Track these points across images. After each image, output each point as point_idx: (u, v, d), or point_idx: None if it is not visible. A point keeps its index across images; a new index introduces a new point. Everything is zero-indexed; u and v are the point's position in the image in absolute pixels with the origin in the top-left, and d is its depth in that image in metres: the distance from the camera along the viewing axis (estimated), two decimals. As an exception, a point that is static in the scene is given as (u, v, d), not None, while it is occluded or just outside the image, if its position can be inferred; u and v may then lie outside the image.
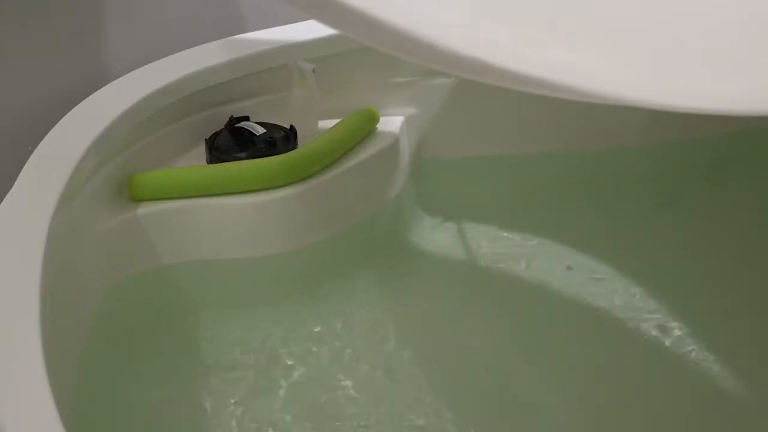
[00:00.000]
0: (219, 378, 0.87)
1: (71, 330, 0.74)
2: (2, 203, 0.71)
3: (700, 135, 1.18)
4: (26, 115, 0.96)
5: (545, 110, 1.11)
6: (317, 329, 0.94)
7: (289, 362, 0.90)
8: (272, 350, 0.91)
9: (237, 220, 0.91)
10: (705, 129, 1.18)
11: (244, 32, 1.02)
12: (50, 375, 0.55)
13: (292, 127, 0.98)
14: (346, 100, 1.04)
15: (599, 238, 1.09)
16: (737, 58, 0.50)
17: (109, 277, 0.86)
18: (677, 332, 0.93)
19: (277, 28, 1.03)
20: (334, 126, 0.99)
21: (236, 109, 0.99)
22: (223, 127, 0.97)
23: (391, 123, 1.05)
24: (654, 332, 0.94)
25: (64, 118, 0.84)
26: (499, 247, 1.08)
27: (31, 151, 0.78)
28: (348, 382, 0.88)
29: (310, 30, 1.01)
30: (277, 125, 0.98)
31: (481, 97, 1.09)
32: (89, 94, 0.88)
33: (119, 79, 0.92)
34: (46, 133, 0.81)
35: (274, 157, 0.92)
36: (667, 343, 0.92)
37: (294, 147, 0.96)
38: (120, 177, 0.88)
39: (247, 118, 0.97)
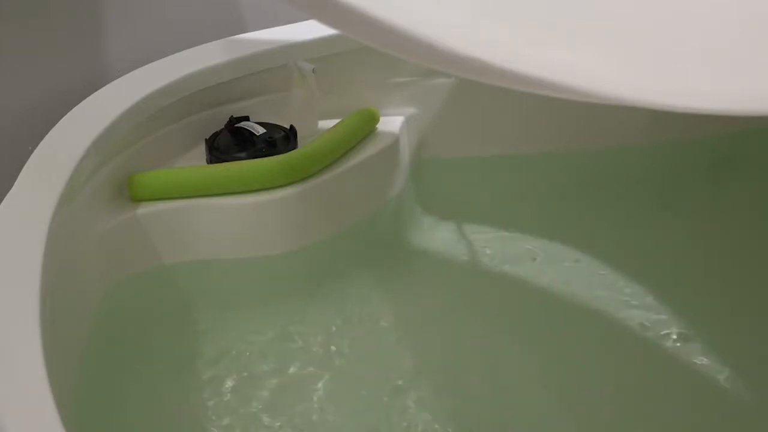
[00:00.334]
0: (219, 378, 0.87)
1: (71, 330, 0.74)
2: (2, 203, 0.71)
3: (700, 135, 1.18)
4: (26, 115, 0.96)
5: (545, 110, 1.11)
6: (317, 329, 0.94)
7: (289, 362, 0.90)
8: (272, 350, 0.91)
9: (237, 220, 0.91)
10: (705, 129, 1.18)
11: (244, 32, 1.02)
12: (50, 375, 0.55)
13: (292, 127, 0.98)
14: (346, 100, 1.04)
15: (599, 238, 1.09)
16: (737, 58, 0.50)
17: (109, 277, 0.86)
18: (677, 332, 0.93)
19: (277, 28, 1.03)
20: (334, 126, 0.99)
21: (236, 109, 0.99)
22: (223, 127, 0.97)
23: (391, 123, 1.05)
24: (654, 332, 0.94)
25: (64, 118, 0.84)
26: (499, 247, 1.08)
27: (31, 151, 0.78)
28: (347, 382, 0.88)
29: (310, 30, 1.01)
30: (277, 125, 0.98)
31: (481, 97, 1.09)
32: (89, 94, 0.88)
33: (119, 79, 0.92)
34: (46, 133, 0.81)
35: (274, 157, 0.92)
36: (668, 342, 0.92)
37: (294, 147, 0.96)
38: (120, 177, 0.88)
39: (247, 118, 0.97)
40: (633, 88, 0.45)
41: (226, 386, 0.86)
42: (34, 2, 0.94)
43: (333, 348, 0.92)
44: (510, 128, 1.13)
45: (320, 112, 1.02)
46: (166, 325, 0.92)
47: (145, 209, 0.87)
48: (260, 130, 0.95)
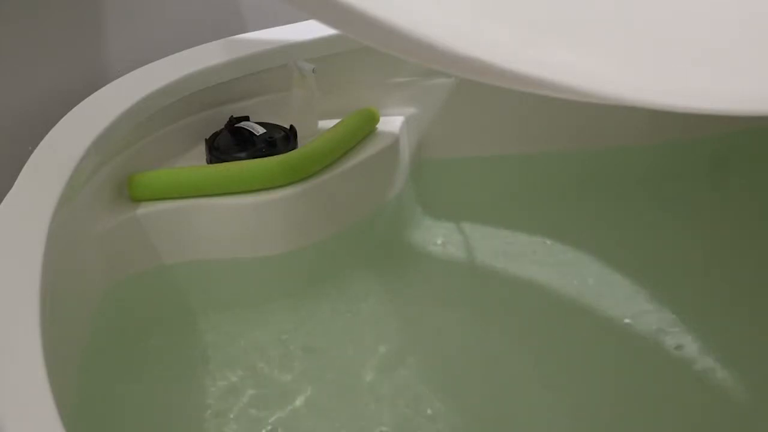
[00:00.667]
0: (219, 378, 0.87)
1: (71, 330, 0.74)
2: (2, 203, 0.71)
3: (700, 135, 1.18)
4: (26, 115, 0.96)
5: (545, 110, 1.11)
6: (317, 329, 0.94)
7: (289, 362, 0.90)
8: (272, 350, 0.91)
9: (237, 220, 0.91)
10: (705, 129, 1.18)
11: (244, 32, 1.02)
12: (50, 375, 0.55)
13: (292, 127, 0.98)
14: (346, 100, 1.04)
15: (599, 238, 1.09)
16: (737, 58, 0.50)
17: (109, 277, 0.86)
18: (677, 331, 0.93)
19: (277, 28, 1.03)
20: (334, 126, 0.99)
21: (236, 109, 0.99)
22: (223, 127, 0.97)
23: (391, 123, 1.05)
24: (654, 332, 0.94)
25: (64, 118, 0.84)
26: (499, 247, 1.08)
27: (31, 151, 0.78)
28: (347, 382, 0.88)
29: (310, 30, 1.01)
30: (277, 125, 0.98)
31: (481, 97, 1.09)
32: (89, 94, 0.88)
33: (119, 79, 0.92)
34: (46, 133, 0.81)
35: (274, 157, 0.92)
36: (668, 342, 0.92)
37: (294, 147, 0.96)
38: (120, 177, 0.88)
39: (247, 118, 0.97)
40: (633, 88, 0.45)
41: (226, 386, 0.86)
42: (34, 2, 0.94)
43: (333, 348, 0.92)
44: (510, 128, 1.13)
45: (320, 112, 1.02)
46: (165, 325, 0.92)
47: (145, 209, 0.87)
48: (260, 130, 0.95)
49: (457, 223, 1.12)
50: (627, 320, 0.96)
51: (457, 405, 0.86)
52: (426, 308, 1.00)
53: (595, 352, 0.93)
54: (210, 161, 0.94)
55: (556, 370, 0.90)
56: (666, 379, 0.89)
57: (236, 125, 0.95)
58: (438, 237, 1.10)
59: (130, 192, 0.88)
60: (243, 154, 0.93)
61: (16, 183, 0.74)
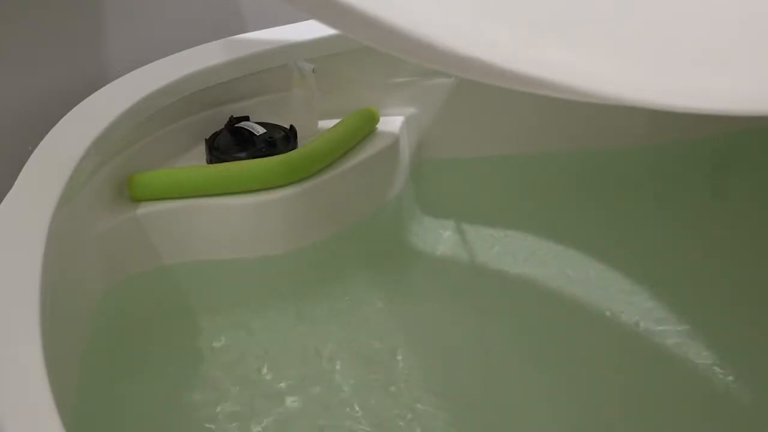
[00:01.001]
0: (219, 378, 0.87)
1: (71, 330, 0.74)
2: (2, 203, 0.71)
3: (700, 135, 1.18)
4: (26, 115, 0.96)
5: (545, 110, 1.11)
6: (317, 329, 0.94)
7: (289, 362, 0.90)
8: (272, 350, 0.91)
9: (237, 220, 0.91)
10: (705, 129, 1.18)
11: (244, 32, 1.02)
12: (50, 375, 0.55)
13: (292, 127, 0.98)
14: (346, 100, 1.04)
15: (599, 238, 1.09)
16: (737, 58, 0.50)
17: (109, 277, 0.86)
18: (678, 331, 0.93)
19: (277, 28, 1.03)
20: (334, 126, 0.99)
21: (236, 109, 0.99)
22: (223, 127, 0.97)
23: (391, 123, 1.05)
24: (655, 332, 0.94)
25: (64, 118, 0.84)
26: (499, 246, 1.08)
27: (31, 151, 0.78)
28: (347, 382, 0.88)
29: (310, 30, 1.01)
30: (277, 125, 0.98)
31: (481, 97, 1.09)
32: (89, 94, 0.88)
33: (119, 79, 0.92)
34: (46, 133, 0.81)
35: (274, 157, 0.92)
36: (668, 342, 0.92)
37: (294, 147, 0.96)
38: (120, 177, 0.88)
39: (247, 118, 0.97)
40: (633, 88, 0.45)
41: (227, 386, 0.86)
42: (34, 2, 0.94)
43: (333, 348, 0.92)
44: (510, 128, 1.13)
45: (320, 112, 1.02)
46: (165, 325, 0.92)
47: (145, 209, 0.87)
48: (260, 130, 0.95)
49: (457, 223, 1.12)
50: (627, 320, 0.96)
51: (457, 403, 0.86)
52: (426, 308, 1.00)
53: (594, 352, 0.93)
54: (210, 161, 0.94)
55: (556, 370, 0.90)
56: (666, 378, 0.89)
57: (236, 125, 0.95)
58: (438, 237, 1.10)
59: (130, 192, 0.88)
60: (243, 154, 0.93)
61: (16, 183, 0.74)
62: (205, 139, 0.95)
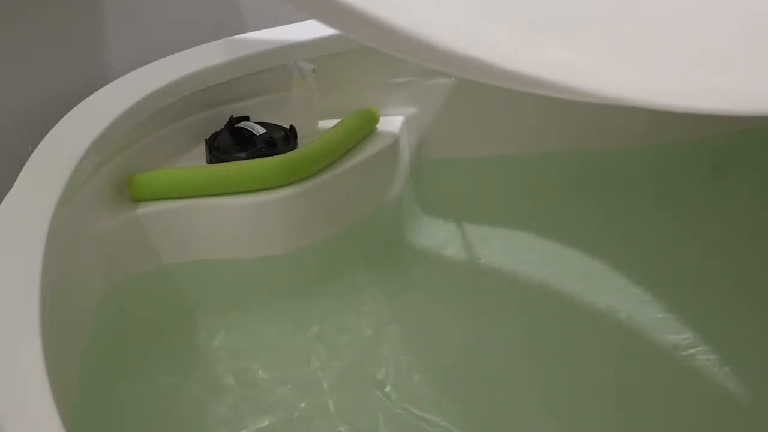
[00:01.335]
0: (219, 378, 0.87)
1: (71, 330, 0.74)
2: (2, 203, 0.71)
3: (700, 135, 1.18)
4: (26, 115, 0.96)
5: (545, 110, 1.11)
6: (316, 329, 0.94)
7: (289, 362, 0.90)
8: (272, 350, 0.91)
9: (237, 220, 0.91)
10: (705, 129, 1.18)
11: (244, 32, 1.02)
12: (50, 375, 0.55)
13: (292, 127, 0.98)
14: (346, 100, 1.04)
15: (599, 238, 1.09)
16: (737, 58, 0.50)
17: (109, 277, 0.86)
18: (677, 331, 0.93)
19: (277, 28, 1.03)
20: (334, 126, 0.99)
21: (236, 109, 0.99)
22: (223, 127, 0.97)
23: (391, 123, 1.05)
24: (654, 332, 0.94)
25: (64, 118, 0.84)
26: (499, 246, 1.08)
27: (31, 151, 0.78)
28: (347, 382, 0.88)
29: (310, 30, 1.01)
30: (277, 125, 0.98)
31: (481, 97, 1.09)
32: (89, 94, 0.88)
33: (119, 79, 0.92)
34: (46, 133, 0.81)
35: (274, 157, 0.92)
36: (668, 342, 0.92)
37: (294, 147, 0.96)
38: (120, 177, 0.88)
39: (247, 118, 0.97)
40: (633, 88, 0.45)
41: (227, 386, 0.86)
42: (34, 2, 0.94)
43: (333, 348, 0.92)
44: (510, 128, 1.13)
45: (320, 112, 1.02)
46: (165, 326, 0.92)
47: (145, 209, 0.87)
48: (260, 130, 0.95)
49: (457, 222, 1.12)
50: (627, 320, 0.96)
51: (456, 403, 0.86)
52: (426, 308, 1.00)
53: (594, 351, 0.93)
54: (210, 161, 0.94)
55: (556, 370, 0.90)
56: (666, 378, 0.89)
57: (236, 125, 0.95)
58: (438, 237, 1.10)
59: (130, 192, 0.88)
60: (243, 154, 0.93)
61: (16, 183, 0.74)
62: (205, 139, 0.95)
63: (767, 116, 0.48)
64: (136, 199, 0.88)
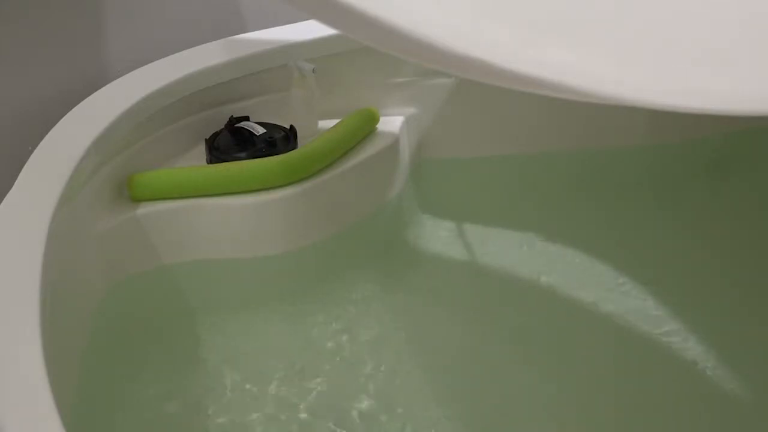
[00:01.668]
0: (219, 378, 0.87)
1: (71, 330, 0.74)
2: (2, 203, 0.71)
3: (700, 135, 1.18)
4: (26, 115, 0.96)
5: (545, 110, 1.11)
6: (316, 329, 0.94)
7: (288, 362, 0.90)
8: (271, 350, 0.91)
9: (237, 220, 0.91)
10: (705, 129, 1.18)
11: (244, 32, 1.02)
12: (50, 375, 0.55)
13: (292, 127, 0.98)
14: (346, 100, 1.04)
15: (599, 238, 1.09)
16: (737, 58, 0.50)
17: (109, 277, 0.86)
18: (677, 331, 0.93)
19: (277, 28, 1.03)
20: (334, 126, 0.99)
21: (236, 109, 0.99)
22: (223, 127, 0.97)
23: (391, 123, 1.05)
24: (654, 332, 0.94)
25: (64, 118, 0.84)
26: (499, 246, 1.08)
27: (31, 151, 0.78)
28: (347, 382, 0.88)
29: (310, 30, 1.01)
30: (277, 125, 0.98)
31: (481, 97, 1.09)
32: (89, 94, 0.88)
33: (119, 79, 0.92)
34: (46, 133, 0.81)
35: (274, 157, 0.92)
36: (667, 341, 0.92)
37: (294, 147, 0.96)
38: (120, 177, 0.88)
39: (247, 118, 0.97)
40: (633, 88, 0.45)
41: (227, 386, 0.86)
42: (34, 2, 0.94)
43: (333, 347, 0.92)
44: (510, 128, 1.13)
45: (320, 112, 1.02)
46: (165, 325, 0.92)
47: (145, 209, 0.87)
48: (260, 130, 0.95)
49: (457, 222, 1.12)
50: (627, 319, 0.96)
51: (456, 403, 0.86)
52: (426, 307, 1.00)
53: (594, 351, 0.93)
54: (210, 161, 0.94)
55: (556, 369, 0.90)
56: (665, 378, 0.89)
57: (236, 125, 0.95)
58: (438, 237, 1.10)
59: (130, 192, 0.88)
60: (243, 154, 0.93)
61: (16, 183, 0.74)
62: (205, 139, 0.95)
63: (767, 116, 0.48)
64: (136, 199, 0.88)
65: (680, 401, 0.86)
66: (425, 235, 1.10)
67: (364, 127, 1.01)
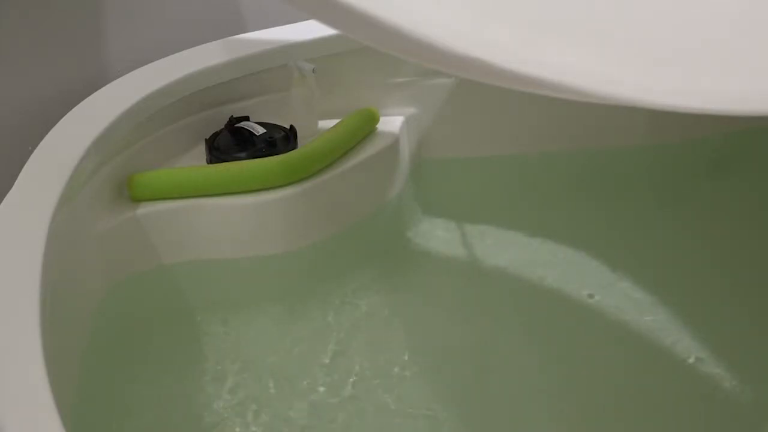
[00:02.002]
0: (219, 378, 0.87)
1: (71, 330, 0.74)
2: (2, 203, 0.71)
3: (700, 135, 1.18)
4: (26, 115, 0.96)
5: (545, 110, 1.11)
6: (316, 329, 0.94)
7: (288, 362, 0.90)
8: (272, 349, 0.91)
9: (237, 220, 0.91)
10: (705, 129, 1.18)
11: (244, 32, 1.02)
12: (50, 375, 0.55)
13: (292, 127, 0.98)
14: (346, 100, 1.04)
15: (599, 238, 1.09)
16: (737, 58, 0.50)
17: (109, 277, 0.86)
18: (677, 330, 0.93)
19: (277, 28, 1.03)
20: (334, 126, 0.99)
21: (236, 109, 0.99)
22: (223, 127, 0.97)
23: (391, 123, 1.05)
24: (654, 331, 0.94)
25: (64, 118, 0.84)
26: (499, 246, 1.08)
27: (31, 151, 0.78)
28: (347, 382, 0.88)
29: (310, 30, 1.01)
30: (277, 125, 0.98)
31: (481, 97, 1.09)
32: (89, 94, 0.88)
33: (119, 79, 0.92)
34: (46, 133, 0.81)
35: (274, 157, 0.92)
36: (668, 341, 0.92)
37: (294, 147, 0.96)
38: (120, 177, 0.88)
39: (247, 118, 0.97)
40: (633, 88, 0.45)
41: (227, 386, 0.86)
42: (33, 2, 0.94)
43: (333, 348, 0.92)
44: (510, 128, 1.13)
45: (320, 112, 1.02)
46: (166, 325, 0.92)
47: (145, 209, 0.87)
48: (260, 130, 0.95)
49: (457, 222, 1.12)
50: (626, 319, 0.96)
51: (456, 403, 0.86)
52: (425, 307, 1.00)
53: (594, 351, 0.93)
54: (210, 161, 0.94)
55: (556, 369, 0.90)
56: (665, 378, 0.89)
57: (236, 125, 0.95)
58: (438, 237, 1.10)
59: (130, 192, 0.88)
60: (243, 154, 0.93)
61: (16, 183, 0.74)
62: (205, 139, 0.95)
63: (767, 116, 0.48)
64: (136, 199, 0.88)
65: (680, 401, 0.86)
66: (425, 235, 1.10)
67: (364, 127, 1.01)
